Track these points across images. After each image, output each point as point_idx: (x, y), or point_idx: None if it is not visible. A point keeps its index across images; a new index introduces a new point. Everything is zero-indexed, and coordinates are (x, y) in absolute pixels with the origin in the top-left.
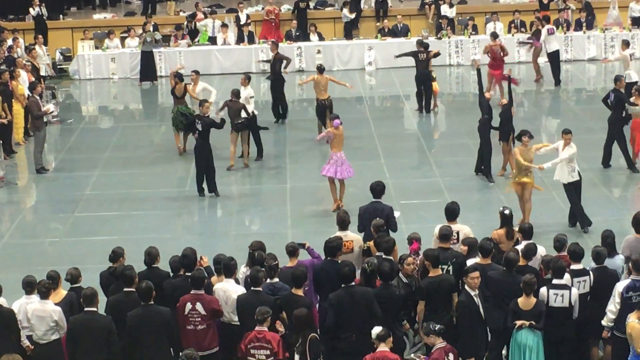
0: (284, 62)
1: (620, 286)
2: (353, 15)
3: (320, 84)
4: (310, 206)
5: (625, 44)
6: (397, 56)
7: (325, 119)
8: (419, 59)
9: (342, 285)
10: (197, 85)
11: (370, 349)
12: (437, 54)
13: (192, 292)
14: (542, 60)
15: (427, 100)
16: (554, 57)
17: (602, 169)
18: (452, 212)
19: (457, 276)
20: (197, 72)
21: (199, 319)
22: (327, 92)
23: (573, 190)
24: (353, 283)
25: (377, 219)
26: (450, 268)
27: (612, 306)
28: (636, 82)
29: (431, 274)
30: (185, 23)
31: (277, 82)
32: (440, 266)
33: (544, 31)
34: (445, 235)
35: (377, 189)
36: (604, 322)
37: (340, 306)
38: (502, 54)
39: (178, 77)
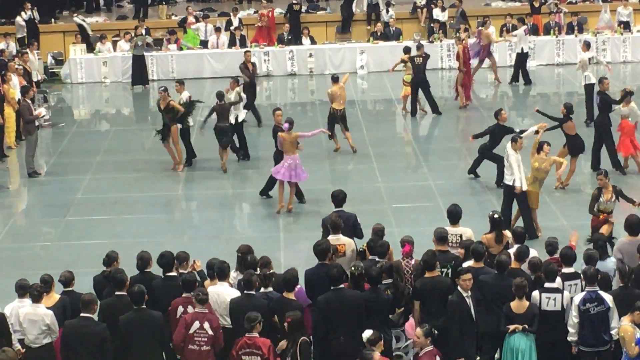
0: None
1: (576, 299)
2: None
3: (336, 94)
4: (302, 210)
5: (586, 45)
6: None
7: (333, 128)
8: (416, 63)
9: (332, 288)
10: (181, 95)
11: (359, 351)
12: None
13: (184, 295)
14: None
15: (432, 102)
16: (523, 58)
17: (592, 172)
18: (454, 214)
19: (454, 279)
20: (181, 82)
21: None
22: (344, 104)
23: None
24: (342, 285)
25: (377, 223)
26: (449, 271)
27: (571, 320)
28: (594, 84)
29: (427, 275)
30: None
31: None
32: (440, 269)
33: (520, 31)
34: (442, 238)
35: (340, 197)
36: (569, 338)
37: (328, 309)
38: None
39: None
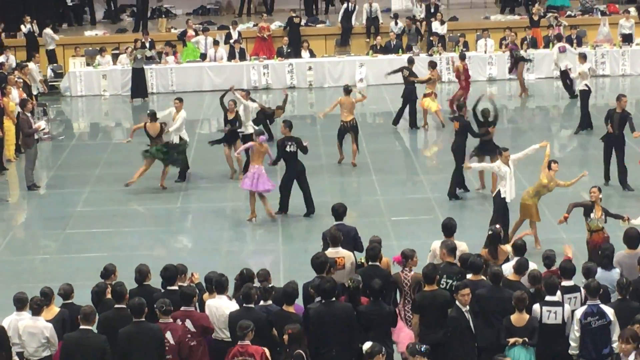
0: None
1: (578, 313)
2: None
3: (345, 105)
4: (302, 223)
5: (583, 57)
6: (388, 74)
7: (342, 140)
8: (403, 75)
9: (323, 301)
10: (178, 113)
11: None
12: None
13: (182, 308)
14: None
15: (412, 117)
16: (566, 74)
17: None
18: (449, 228)
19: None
20: (180, 100)
21: (189, 335)
22: (352, 114)
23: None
24: (334, 299)
25: (374, 235)
26: (454, 283)
27: (573, 334)
28: (589, 91)
29: (426, 288)
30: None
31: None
32: (446, 280)
33: (554, 50)
34: (452, 250)
35: (340, 210)
36: (570, 352)
37: (320, 321)
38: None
39: (151, 116)
